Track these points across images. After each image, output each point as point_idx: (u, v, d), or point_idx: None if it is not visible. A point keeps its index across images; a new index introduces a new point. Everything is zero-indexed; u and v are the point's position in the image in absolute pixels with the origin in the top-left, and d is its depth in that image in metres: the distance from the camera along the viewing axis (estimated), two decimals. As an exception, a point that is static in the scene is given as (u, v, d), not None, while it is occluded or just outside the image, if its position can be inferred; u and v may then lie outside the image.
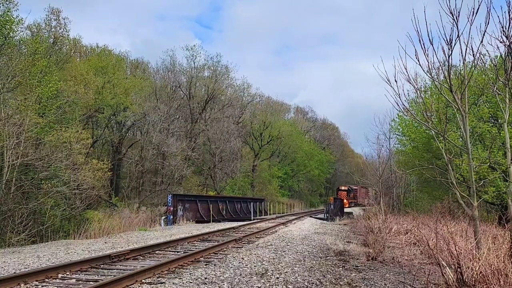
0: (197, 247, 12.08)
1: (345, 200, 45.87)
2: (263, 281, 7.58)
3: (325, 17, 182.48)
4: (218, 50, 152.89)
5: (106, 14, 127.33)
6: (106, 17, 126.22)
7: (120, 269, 8.46)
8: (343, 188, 55.53)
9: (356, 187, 58.74)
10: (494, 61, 9.00)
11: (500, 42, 8.08)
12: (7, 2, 17.17)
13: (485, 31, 7.82)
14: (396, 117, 27.82)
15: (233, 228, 18.45)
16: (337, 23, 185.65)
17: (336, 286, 7.54)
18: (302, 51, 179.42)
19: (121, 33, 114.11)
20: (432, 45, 8.45)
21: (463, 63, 8.64)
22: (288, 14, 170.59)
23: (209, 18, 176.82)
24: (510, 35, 7.80)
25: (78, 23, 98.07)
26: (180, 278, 7.59)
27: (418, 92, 10.23)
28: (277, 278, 7.88)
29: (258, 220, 24.99)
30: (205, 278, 7.66)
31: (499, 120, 18.08)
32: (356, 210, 42.14)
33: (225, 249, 11.65)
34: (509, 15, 7.70)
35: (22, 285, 6.91)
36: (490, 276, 6.21)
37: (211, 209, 26.01)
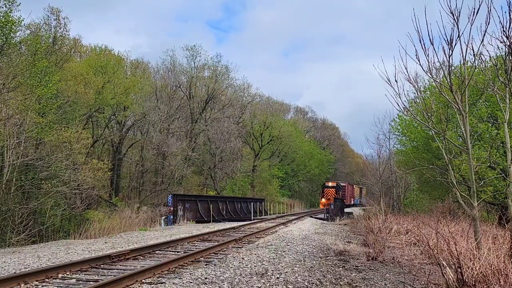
0: (197, 247, 12.08)
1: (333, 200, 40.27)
2: (263, 281, 7.58)
3: (336, 19, 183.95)
4: (231, 52, 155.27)
5: (127, 16, 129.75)
6: (127, 19, 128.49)
7: (120, 269, 8.45)
8: (330, 184, 46.27)
9: (344, 184, 50.66)
10: (495, 61, 9.00)
11: (501, 42, 8.09)
12: (9, 3, 17.15)
13: (485, 31, 7.84)
14: (396, 117, 27.84)
15: (233, 228, 18.45)
16: (346, 25, 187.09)
17: (336, 286, 7.54)
18: (309, 52, 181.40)
19: (141, 35, 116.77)
20: (433, 45, 8.48)
21: (464, 63, 8.65)
22: (301, 18, 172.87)
23: (228, 21, 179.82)
24: (511, 35, 7.80)
25: (98, 26, 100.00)
26: (180, 278, 7.59)
27: (418, 92, 10.24)
28: (277, 278, 7.88)
29: (258, 220, 24.98)
30: (205, 278, 7.66)
31: (499, 120, 18.07)
32: (356, 210, 41.99)
33: (225, 249, 11.65)
34: (510, 15, 7.71)
35: (22, 285, 6.91)
36: (490, 276, 6.21)
37: (211, 209, 26.01)
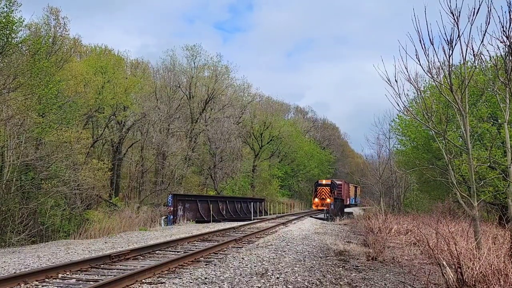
0: (197, 247, 12.08)
1: (328, 200, 38.33)
2: (263, 281, 7.58)
3: (340, 20, 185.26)
4: (236, 52, 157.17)
5: (134, 16, 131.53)
6: (134, 19, 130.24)
7: (120, 269, 8.45)
8: (324, 182, 42.78)
9: (340, 182, 47.88)
10: (495, 61, 9.00)
11: (501, 42, 8.09)
12: (10, 4, 17.15)
13: (485, 31, 7.84)
14: (396, 117, 27.88)
15: (233, 228, 18.45)
16: (350, 25, 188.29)
17: (336, 286, 7.54)
18: (312, 52, 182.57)
19: (148, 35, 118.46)
20: (433, 45, 8.49)
21: (464, 63, 8.66)
22: (307, 19, 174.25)
23: (234, 23, 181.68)
24: (511, 35, 7.80)
25: (106, 26, 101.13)
26: (180, 278, 7.59)
27: (419, 92, 10.24)
28: (277, 278, 7.88)
29: (258, 220, 24.98)
30: (205, 278, 7.66)
31: (499, 120, 18.09)
32: (356, 210, 41.84)
33: (225, 249, 11.65)
34: (510, 15, 7.71)
35: (22, 285, 6.91)
36: (490, 276, 6.21)
37: (211, 209, 26.00)
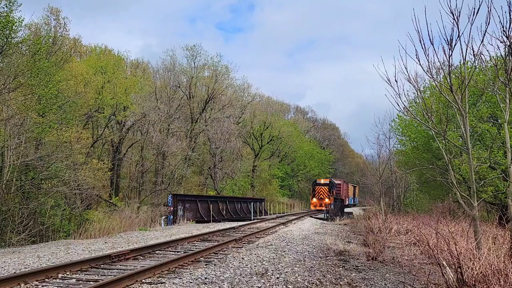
0: (197, 247, 12.08)
1: (326, 199, 37.61)
2: (263, 281, 7.58)
3: (343, 20, 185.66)
4: (238, 52, 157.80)
5: (137, 17, 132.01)
6: (137, 19, 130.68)
7: (120, 269, 8.46)
8: (322, 182, 41.37)
9: (339, 182, 46.71)
10: (495, 61, 9.00)
11: (501, 42, 8.09)
12: (10, 3, 17.13)
13: (485, 31, 7.83)
14: (396, 117, 27.87)
15: (233, 228, 18.45)
16: (353, 26, 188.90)
17: (336, 286, 7.54)
18: (313, 52, 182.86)
19: (151, 35, 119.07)
20: (433, 45, 8.49)
21: (464, 63, 8.66)
22: (309, 19, 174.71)
23: (236, 23, 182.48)
24: (511, 35, 7.80)
25: (109, 26, 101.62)
26: (180, 278, 7.59)
27: (419, 92, 10.23)
28: (277, 278, 7.88)
29: (258, 220, 24.98)
30: (205, 278, 7.66)
31: (499, 120, 18.08)
32: (356, 210, 41.80)
33: (225, 249, 11.65)
34: (510, 15, 7.71)
35: (22, 285, 6.91)
36: (490, 276, 6.21)
37: (211, 209, 26.00)
